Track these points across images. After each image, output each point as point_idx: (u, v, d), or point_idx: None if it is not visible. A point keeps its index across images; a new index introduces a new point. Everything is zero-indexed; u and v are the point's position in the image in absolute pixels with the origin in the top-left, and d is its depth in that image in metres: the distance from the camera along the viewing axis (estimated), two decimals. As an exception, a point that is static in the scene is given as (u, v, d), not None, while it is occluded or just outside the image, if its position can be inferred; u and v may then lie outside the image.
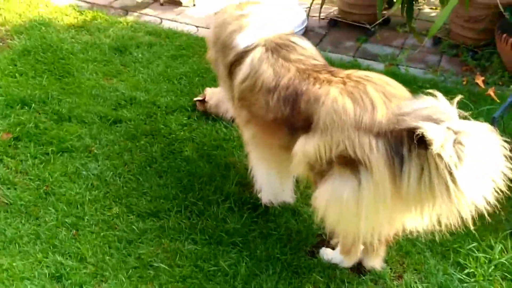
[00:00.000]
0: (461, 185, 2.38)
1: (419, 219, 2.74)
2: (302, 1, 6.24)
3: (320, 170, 2.84)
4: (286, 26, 3.39)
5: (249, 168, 3.53)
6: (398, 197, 2.62)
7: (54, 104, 4.50)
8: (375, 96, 2.68)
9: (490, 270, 3.21)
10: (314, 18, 6.14)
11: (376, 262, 3.19)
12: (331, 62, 4.43)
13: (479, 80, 5.14)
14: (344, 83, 2.80)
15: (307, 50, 3.22)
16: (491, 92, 4.69)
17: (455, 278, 3.17)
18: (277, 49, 3.16)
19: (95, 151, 4.05)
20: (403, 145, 2.52)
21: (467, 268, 3.23)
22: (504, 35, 5.00)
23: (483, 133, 2.41)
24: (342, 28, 6.13)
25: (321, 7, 6.00)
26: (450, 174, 2.38)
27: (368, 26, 5.89)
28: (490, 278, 3.19)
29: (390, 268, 3.23)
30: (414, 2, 5.73)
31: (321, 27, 6.18)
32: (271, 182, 3.47)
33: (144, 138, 4.20)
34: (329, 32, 6.12)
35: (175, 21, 6.10)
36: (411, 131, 2.42)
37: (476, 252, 3.31)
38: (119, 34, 5.61)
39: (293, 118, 2.94)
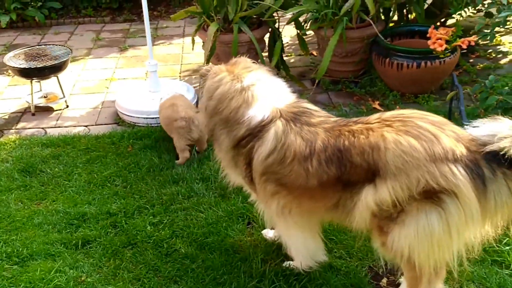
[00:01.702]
0: None
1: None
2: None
3: (390, 214, 2.90)
4: (288, 94, 3.41)
5: (280, 238, 3.45)
6: (483, 214, 2.84)
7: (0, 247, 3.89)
8: (430, 128, 2.85)
9: (526, 259, 3.56)
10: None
11: (439, 284, 3.28)
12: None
13: (376, 104, 5.67)
14: (389, 125, 2.93)
15: (320, 112, 3.30)
16: (397, 111, 5.21)
17: (505, 275, 3.44)
18: (296, 117, 3.18)
19: (88, 279, 3.59)
20: (482, 167, 2.76)
21: (508, 263, 3.52)
22: (387, 59, 5.58)
23: None
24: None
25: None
26: None
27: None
28: (528, 267, 3.52)
29: (449, 286, 3.39)
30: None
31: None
32: (307, 247, 3.43)
33: (128, 250, 3.84)
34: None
35: (59, 126, 5.64)
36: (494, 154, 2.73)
37: (504, 247, 3.61)
38: (15, 155, 5.01)
39: (345, 174, 2.96)
